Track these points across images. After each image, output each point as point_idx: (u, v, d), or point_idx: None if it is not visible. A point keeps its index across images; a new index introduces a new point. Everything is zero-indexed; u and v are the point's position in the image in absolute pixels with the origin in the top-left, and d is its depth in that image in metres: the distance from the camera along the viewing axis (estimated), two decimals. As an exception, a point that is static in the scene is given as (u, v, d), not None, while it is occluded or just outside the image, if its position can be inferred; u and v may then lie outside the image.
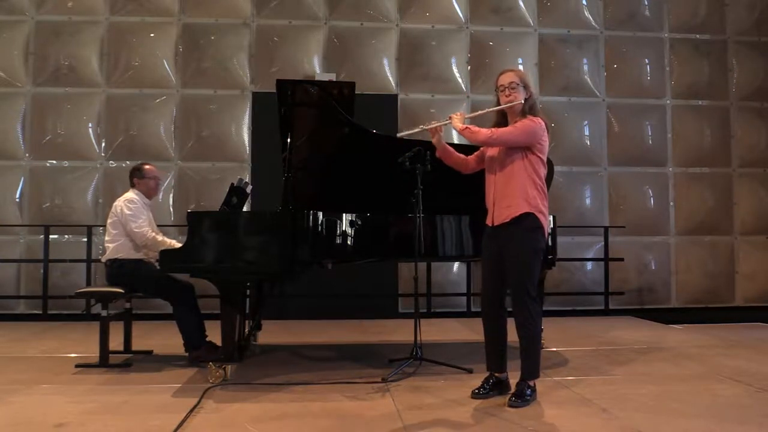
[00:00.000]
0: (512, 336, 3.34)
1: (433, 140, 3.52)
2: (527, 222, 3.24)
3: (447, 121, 3.44)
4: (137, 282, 4.34)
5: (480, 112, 3.56)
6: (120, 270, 4.32)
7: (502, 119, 3.42)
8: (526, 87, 3.33)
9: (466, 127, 3.31)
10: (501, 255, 3.30)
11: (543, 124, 3.29)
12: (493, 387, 3.39)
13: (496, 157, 3.36)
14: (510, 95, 3.31)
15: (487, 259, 3.41)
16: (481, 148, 3.52)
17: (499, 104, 3.39)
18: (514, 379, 3.34)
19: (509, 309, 3.32)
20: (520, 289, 3.24)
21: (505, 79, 3.34)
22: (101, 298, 4.22)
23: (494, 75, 3.55)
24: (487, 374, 3.44)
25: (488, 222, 3.40)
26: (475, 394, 3.37)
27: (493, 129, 3.33)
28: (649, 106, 7.47)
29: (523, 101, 3.30)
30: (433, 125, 3.47)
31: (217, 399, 3.38)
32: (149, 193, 4.59)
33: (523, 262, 3.24)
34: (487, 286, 3.42)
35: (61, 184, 6.79)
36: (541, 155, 3.29)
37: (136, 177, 4.57)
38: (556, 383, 3.70)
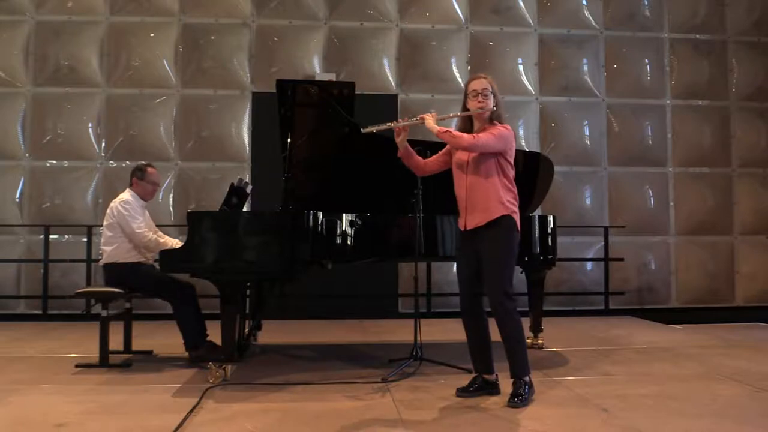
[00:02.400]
0: (495, 335, 3.34)
1: (398, 139, 3.43)
2: (504, 222, 3.27)
3: (419, 121, 3.39)
4: (137, 283, 4.31)
5: (451, 115, 3.49)
6: (118, 272, 4.28)
7: (467, 124, 3.42)
8: (494, 95, 3.36)
9: (447, 130, 3.30)
10: (477, 256, 3.31)
11: (512, 131, 3.37)
12: (481, 388, 3.40)
13: (467, 161, 3.35)
14: (482, 102, 3.33)
15: (463, 261, 3.44)
16: (442, 153, 3.51)
17: (466, 108, 3.39)
18: (507, 380, 3.33)
19: (488, 310, 3.33)
20: (496, 289, 3.24)
21: (479, 85, 3.35)
22: (101, 298, 4.22)
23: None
24: (474, 375, 3.46)
25: (461, 226, 3.40)
26: (460, 393, 3.39)
27: (474, 135, 3.31)
28: (649, 106, 7.47)
29: (494, 108, 3.34)
30: (404, 123, 3.42)
31: (217, 399, 3.38)
32: (145, 197, 4.53)
33: (500, 261, 3.26)
34: (464, 289, 3.43)
35: (61, 184, 6.79)
36: (510, 159, 3.36)
37: (136, 177, 4.49)
38: (556, 383, 3.70)
